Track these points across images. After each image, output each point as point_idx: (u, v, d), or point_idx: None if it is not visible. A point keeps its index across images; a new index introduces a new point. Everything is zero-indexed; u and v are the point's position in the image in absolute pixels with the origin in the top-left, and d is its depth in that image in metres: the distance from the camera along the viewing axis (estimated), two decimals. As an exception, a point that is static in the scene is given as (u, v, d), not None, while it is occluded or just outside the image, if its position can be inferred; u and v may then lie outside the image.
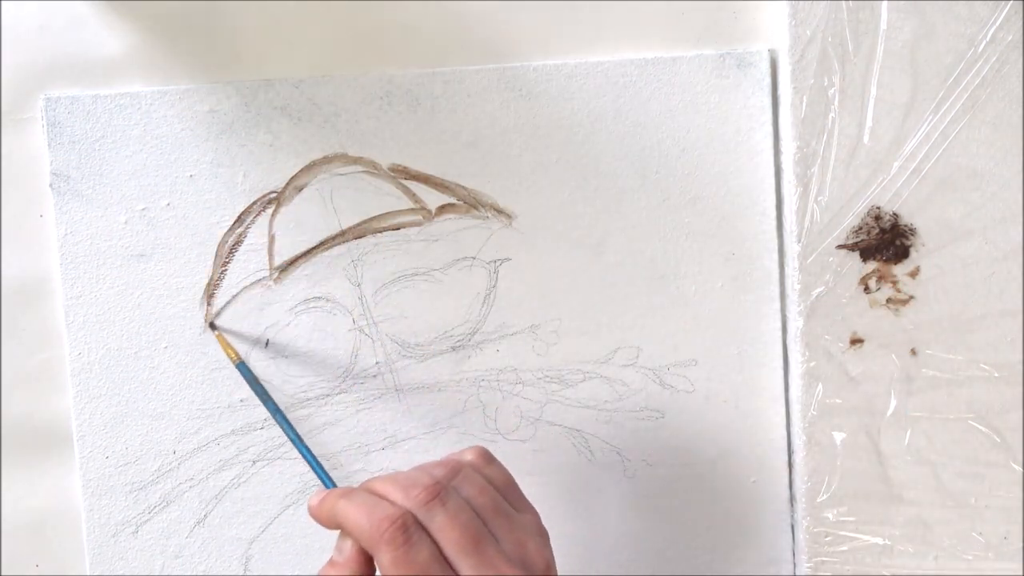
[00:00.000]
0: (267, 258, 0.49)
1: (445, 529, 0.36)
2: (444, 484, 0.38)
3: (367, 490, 0.39)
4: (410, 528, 0.36)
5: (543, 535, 0.40)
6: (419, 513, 0.37)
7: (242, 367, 0.48)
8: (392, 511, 0.36)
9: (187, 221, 0.48)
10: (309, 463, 0.44)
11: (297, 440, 0.45)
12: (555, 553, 0.40)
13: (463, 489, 0.38)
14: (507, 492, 0.40)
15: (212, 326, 0.48)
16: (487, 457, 0.41)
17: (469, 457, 0.41)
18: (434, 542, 0.36)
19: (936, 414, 0.49)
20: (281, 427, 0.46)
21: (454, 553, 0.36)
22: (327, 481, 0.43)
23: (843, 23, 0.47)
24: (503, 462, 0.41)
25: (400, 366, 0.49)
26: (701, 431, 0.50)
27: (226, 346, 0.48)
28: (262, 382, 0.48)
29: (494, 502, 0.39)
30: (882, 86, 0.48)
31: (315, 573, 0.41)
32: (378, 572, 0.37)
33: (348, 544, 0.38)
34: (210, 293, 0.49)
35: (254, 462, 0.49)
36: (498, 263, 0.49)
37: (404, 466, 0.49)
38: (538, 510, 0.41)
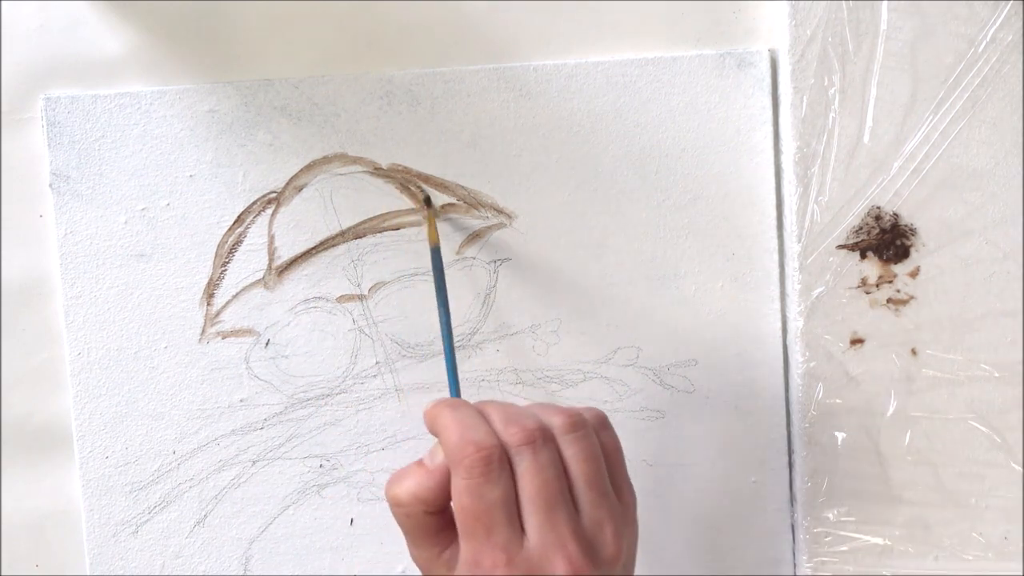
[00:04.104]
0: (267, 258, 0.49)
1: (526, 477, 0.35)
2: (547, 434, 0.36)
3: (476, 409, 0.37)
4: (493, 462, 0.34)
5: (630, 525, 0.38)
6: (510, 451, 0.35)
7: (436, 254, 0.46)
8: (483, 439, 0.35)
9: (187, 221, 0.48)
10: (447, 364, 0.43)
11: (448, 338, 0.43)
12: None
13: (568, 447, 0.36)
14: (612, 463, 0.38)
15: (428, 202, 0.48)
16: (604, 422, 0.39)
17: (587, 417, 0.38)
18: (513, 486, 0.35)
19: (936, 414, 0.49)
20: (440, 323, 0.44)
21: (525, 504, 0.35)
22: (453, 388, 0.42)
23: (843, 23, 0.47)
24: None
25: (400, 366, 0.49)
26: (701, 431, 0.50)
27: (432, 228, 0.46)
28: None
29: (594, 473, 0.36)
30: (882, 86, 0.48)
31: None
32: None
33: (440, 454, 0.37)
34: (210, 293, 0.49)
35: (254, 462, 0.49)
36: (498, 263, 0.49)
37: (403, 465, 0.49)
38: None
